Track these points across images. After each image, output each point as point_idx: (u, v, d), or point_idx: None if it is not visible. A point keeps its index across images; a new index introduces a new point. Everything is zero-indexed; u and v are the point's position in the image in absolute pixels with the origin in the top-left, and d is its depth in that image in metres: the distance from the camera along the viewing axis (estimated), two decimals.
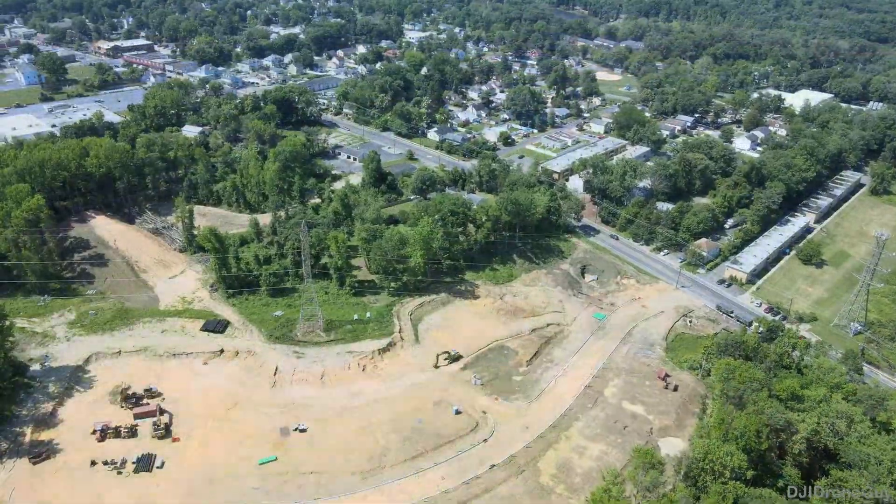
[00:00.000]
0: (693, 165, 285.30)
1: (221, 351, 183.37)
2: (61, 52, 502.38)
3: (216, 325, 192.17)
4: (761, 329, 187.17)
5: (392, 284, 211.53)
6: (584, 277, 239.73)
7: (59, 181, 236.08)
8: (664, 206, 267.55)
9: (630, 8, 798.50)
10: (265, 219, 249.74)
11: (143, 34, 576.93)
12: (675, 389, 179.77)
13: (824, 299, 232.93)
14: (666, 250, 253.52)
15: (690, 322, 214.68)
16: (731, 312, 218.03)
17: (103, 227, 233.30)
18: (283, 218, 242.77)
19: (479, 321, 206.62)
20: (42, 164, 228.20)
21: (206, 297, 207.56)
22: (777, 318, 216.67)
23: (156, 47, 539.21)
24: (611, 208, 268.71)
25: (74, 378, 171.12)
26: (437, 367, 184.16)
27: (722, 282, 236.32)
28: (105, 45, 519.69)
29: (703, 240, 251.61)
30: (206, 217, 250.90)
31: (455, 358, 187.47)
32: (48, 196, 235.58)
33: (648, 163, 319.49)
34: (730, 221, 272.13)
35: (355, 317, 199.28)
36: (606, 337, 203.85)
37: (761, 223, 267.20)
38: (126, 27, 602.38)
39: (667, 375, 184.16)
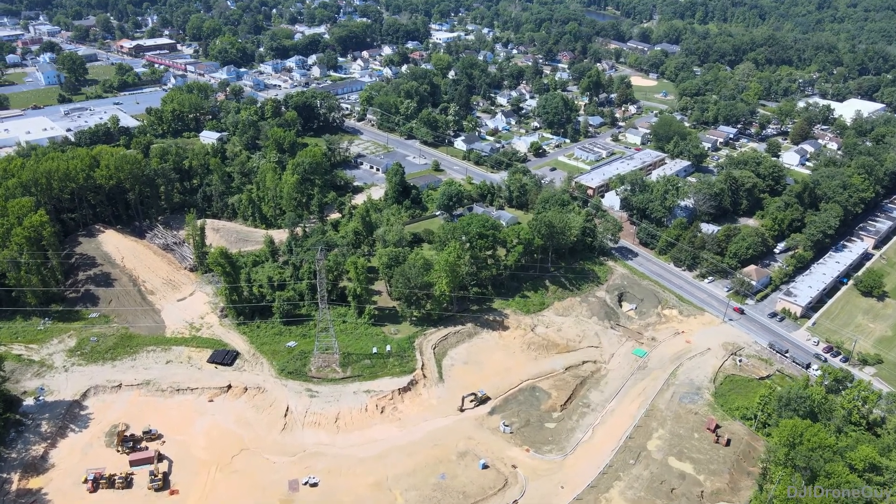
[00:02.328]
0: (740, 184, 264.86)
1: (229, 386, 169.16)
2: (84, 50, 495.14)
3: (224, 357, 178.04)
4: (826, 378, 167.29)
5: (415, 314, 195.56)
6: (621, 306, 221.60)
7: (67, 193, 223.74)
8: (709, 228, 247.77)
9: (664, 9, 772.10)
10: (282, 234, 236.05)
11: (166, 32, 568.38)
12: (728, 444, 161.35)
13: (888, 338, 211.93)
14: (711, 277, 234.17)
15: (740, 361, 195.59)
16: (786, 352, 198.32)
17: (111, 243, 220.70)
18: (301, 235, 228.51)
19: (507, 357, 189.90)
20: (49, 176, 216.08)
21: (216, 323, 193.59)
22: (837, 359, 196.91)
23: (179, 46, 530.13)
24: (650, 229, 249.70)
25: (70, 415, 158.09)
26: (462, 410, 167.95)
27: (774, 315, 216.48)
28: (128, 43, 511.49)
29: (753, 267, 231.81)
30: (220, 233, 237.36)
31: (482, 400, 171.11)
32: (55, 208, 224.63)
33: (690, 178, 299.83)
34: (780, 246, 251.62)
35: (374, 350, 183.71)
36: (648, 378, 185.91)
37: (815, 248, 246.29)
38: (150, 25, 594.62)
39: (717, 426, 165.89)
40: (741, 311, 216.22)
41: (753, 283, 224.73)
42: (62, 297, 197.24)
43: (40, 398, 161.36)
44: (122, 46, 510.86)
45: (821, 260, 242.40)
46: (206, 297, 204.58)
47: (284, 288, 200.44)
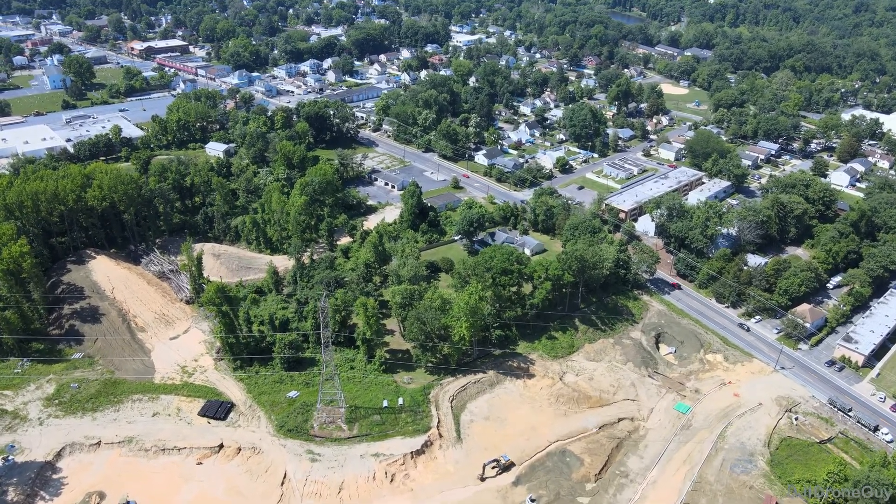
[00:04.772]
0: (788, 210, 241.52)
1: (220, 446, 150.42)
2: (94, 51, 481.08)
3: (217, 409, 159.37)
4: None
5: (430, 360, 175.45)
6: (658, 349, 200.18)
7: (56, 216, 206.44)
8: (755, 261, 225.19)
9: (693, 11, 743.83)
10: (287, 261, 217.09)
11: (179, 33, 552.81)
12: None
13: None
14: (758, 316, 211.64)
15: (796, 420, 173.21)
16: (850, 410, 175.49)
17: (102, 271, 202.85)
18: (308, 263, 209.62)
19: (533, 412, 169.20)
20: (35, 198, 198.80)
21: (210, 367, 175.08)
22: None
23: (191, 48, 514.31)
24: (689, 260, 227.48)
25: (41, 479, 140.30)
26: (482, 479, 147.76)
27: (831, 363, 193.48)
28: (139, 45, 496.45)
29: (807, 306, 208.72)
30: (220, 259, 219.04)
31: (505, 467, 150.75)
32: (43, 231, 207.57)
33: (731, 200, 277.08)
34: (834, 280, 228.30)
35: (385, 403, 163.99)
36: (693, 440, 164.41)
37: (873, 285, 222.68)
38: (164, 25, 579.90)
39: None
40: (678, 287, 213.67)
41: (807, 325, 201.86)
42: (44, 334, 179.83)
43: (9, 458, 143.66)
44: (132, 48, 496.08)
45: (881, 298, 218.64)
46: (201, 335, 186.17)
47: (287, 328, 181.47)
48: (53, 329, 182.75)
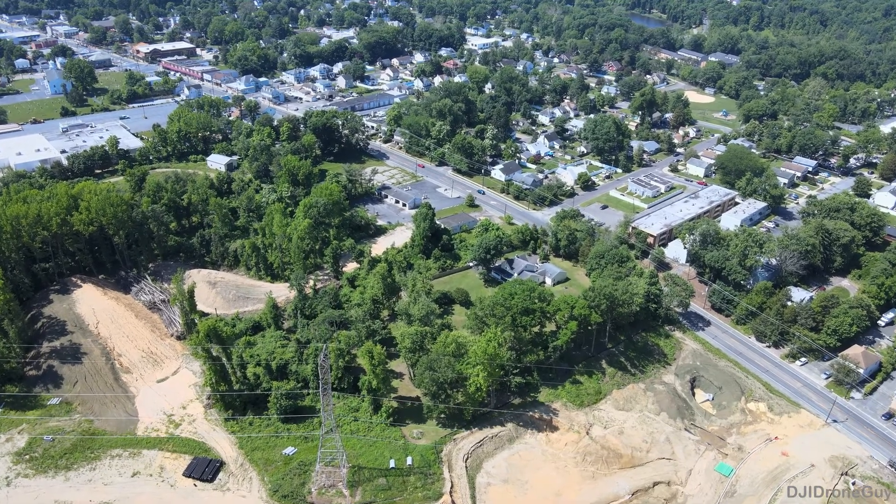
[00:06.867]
0: (835, 238, 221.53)
1: None
2: (98, 54, 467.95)
3: (205, 469, 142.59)
4: None
5: (443, 412, 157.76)
6: (694, 395, 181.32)
7: (39, 242, 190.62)
8: (799, 295, 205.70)
9: (715, 14, 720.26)
10: (290, 290, 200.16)
11: (187, 35, 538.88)
12: None
13: None
14: (804, 358, 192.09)
15: (853, 484, 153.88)
16: None
17: (87, 302, 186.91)
18: (311, 294, 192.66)
19: (558, 473, 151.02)
20: (16, 222, 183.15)
21: (200, 416, 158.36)
22: None
23: (199, 51, 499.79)
24: (726, 293, 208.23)
25: None
26: None
27: (889, 416, 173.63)
28: (144, 48, 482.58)
29: (860, 348, 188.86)
30: (217, 288, 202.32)
31: None
32: (25, 257, 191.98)
33: (768, 224, 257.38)
34: (886, 317, 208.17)
35: (392, 463, 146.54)
36: None
37: None
38: (171, 27, 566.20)
39: None
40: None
41: (861, 370, 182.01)
42: (20, 375, 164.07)
43: None
44: (138, 51, 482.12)
45: None
46: (191, 378, 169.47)
47: (285, 370, 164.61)
48: (30, 370, 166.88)
